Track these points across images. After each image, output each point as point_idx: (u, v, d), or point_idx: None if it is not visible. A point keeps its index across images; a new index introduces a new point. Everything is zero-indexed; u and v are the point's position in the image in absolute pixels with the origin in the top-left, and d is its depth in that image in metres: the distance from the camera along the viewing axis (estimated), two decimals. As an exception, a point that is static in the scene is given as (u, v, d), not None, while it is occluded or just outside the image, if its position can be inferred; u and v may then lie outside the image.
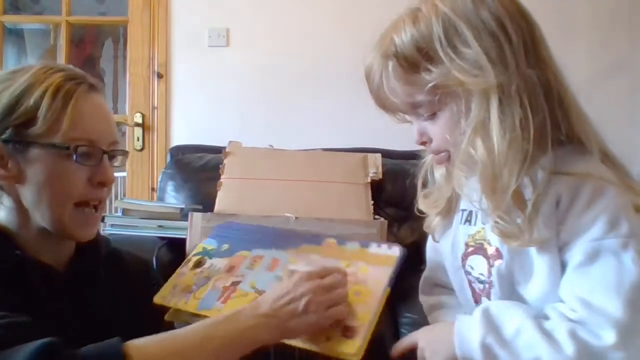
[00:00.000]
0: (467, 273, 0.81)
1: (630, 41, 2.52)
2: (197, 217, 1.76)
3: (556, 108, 0.72)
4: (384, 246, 0.81)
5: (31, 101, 0.74)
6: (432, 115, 0.76)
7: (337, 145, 2.27)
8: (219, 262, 0.91)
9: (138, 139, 2.52)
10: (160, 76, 2.55)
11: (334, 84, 2.52)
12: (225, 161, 2.04)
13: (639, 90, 2.52)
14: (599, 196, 0.69)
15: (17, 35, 3.57)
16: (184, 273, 0.93)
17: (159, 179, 2.22)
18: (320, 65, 2.52)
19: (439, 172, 0.85)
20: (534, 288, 0.73)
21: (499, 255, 0.75)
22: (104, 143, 0.79)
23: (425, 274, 0.97)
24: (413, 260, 1.97)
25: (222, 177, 1.98)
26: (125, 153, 0.86)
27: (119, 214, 1.79)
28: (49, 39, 3.49)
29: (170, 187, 2.12)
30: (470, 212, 0.81)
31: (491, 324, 0.71)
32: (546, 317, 0.70)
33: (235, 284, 0.85)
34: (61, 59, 2.79)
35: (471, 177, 0.74)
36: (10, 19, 3.10)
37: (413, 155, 2.33)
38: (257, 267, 0.86)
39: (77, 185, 0.77)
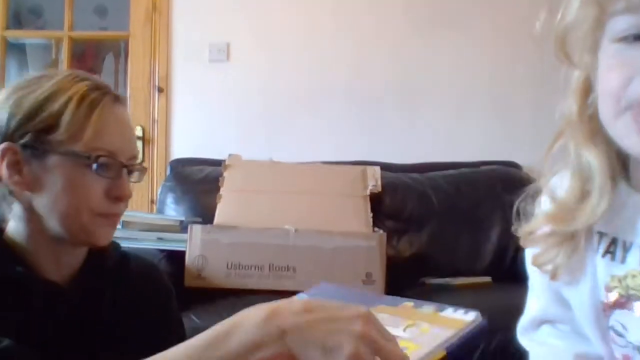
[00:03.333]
0: (616, 333, 0.53)
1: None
2: (196, 230, 1.76)
3: None
4: (460, 311, 0.68)
5: (55, 107, 0.72)
6: None
7: (336, 158, 2.28)
8: None
9: (138, 152, 2.54)
10: (160, 90, 2.57)
11: (333, 97, 2.53)
12: (225, 174, 2.05)
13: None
14: None
15: (19, 49, 3.59)
16: None
17: (159, 192, 2.23)
18: (319, 79, 2.54)
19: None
20: None
21: None
22: (124, 156, 0.76)
23: (532, 313, 0.65)
24: (414, 272, 1.99)
25: (221, 189, 1.99)
26: (144, 169, 0.83)
27: (119, 226, 1.80)
28: (51, 53, 3.51)
29: (170, 200, 2.12)
30: (614, 240, 0.52)
31: None
32: None
33: None
34: (62, 73, 2.81)
35: None
36: (13, 34, 3.13)
37: (411, 169, 2.36)
38: None
39: (93, 197, 0.74)
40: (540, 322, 0.63)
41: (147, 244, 1.74)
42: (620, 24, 0.48)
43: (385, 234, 1.83)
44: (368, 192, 2.02)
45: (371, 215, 1.95)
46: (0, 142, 0.72)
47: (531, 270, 0.62)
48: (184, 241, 1.75)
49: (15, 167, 0.72)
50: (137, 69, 2.60)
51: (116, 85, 3.99)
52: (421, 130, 2.51)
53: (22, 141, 0.72)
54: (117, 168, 0.75)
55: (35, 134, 0.72)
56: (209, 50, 2.56)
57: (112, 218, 0.77)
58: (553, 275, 0.57)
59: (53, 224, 0.73)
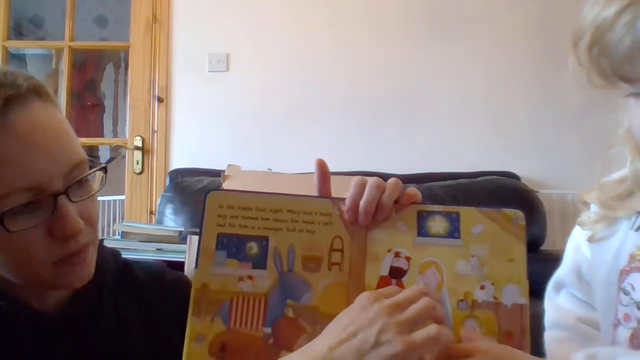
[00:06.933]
0: (625, 292, 0.63)
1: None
2: (195, 240, 1.77)
3: None
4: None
5: None
6: None
7: (334, 168, 2.27)
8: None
9: (137, 162, 2.54)
10: (160, 100, 2.58)
11: (331, 108, 2.55)
12: (224, 184, 2.05)
13: None
14: None
15: (19, 59, 3.61)
16: None
17: (158, 202, 2.24)
18: (318, 90, 2.56)
19: None
20: None
21: None
22: (54, 180, 0.55)
23: (557, 276, 0.77)
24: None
25: (220, 200, 1.99)
26: (101, 169, 0.61)
27: (118, 237, 1.80)
28: (51, 64, 3.53)
29: (169, 210, 2.13)
30: None
31: None
32: None
33: None
34: (63, 83, 2.82)
35: None
36: (14, 44, 3.15)
37: (409, 179, 2.36)
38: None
39: (37, 250, 0.56)
40: (560, 286, 0.75)
41: (146, 254, 1.74)
42: (622, 88, 0.58)
43: (383, 245, 1.83)
44: (366, 203, 2.03)
45: (369, 225, 1.96)
46: None
47: (568, 246, 0.75)
48: (183, 252, 1.74)
49: None
50: (137, 79, 2.62)
51: (116, 95, 4.01)
52: (419, 140, 2.52)
53: None
54: (46, 203, 0.55)
55: None
56: (209, 61, 2.57)
57: (72, 260, 0.59)
58: (590, 237, 0.70)
59: (18, 279, 0.59)
